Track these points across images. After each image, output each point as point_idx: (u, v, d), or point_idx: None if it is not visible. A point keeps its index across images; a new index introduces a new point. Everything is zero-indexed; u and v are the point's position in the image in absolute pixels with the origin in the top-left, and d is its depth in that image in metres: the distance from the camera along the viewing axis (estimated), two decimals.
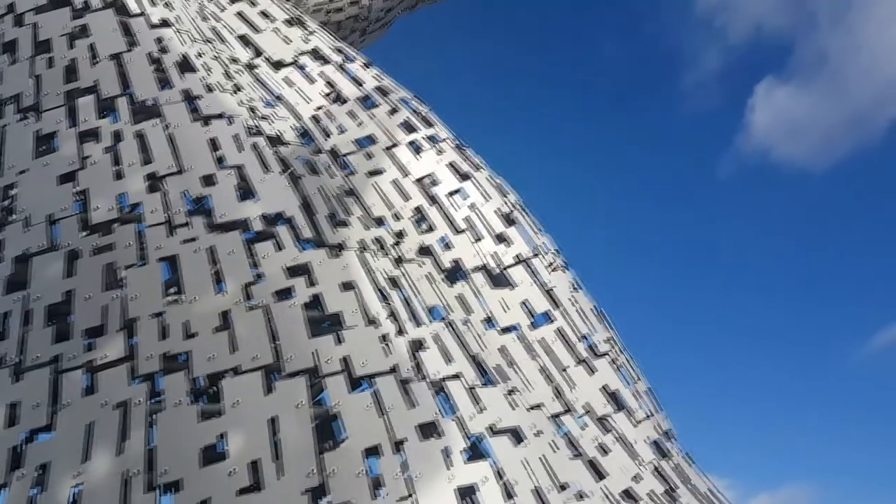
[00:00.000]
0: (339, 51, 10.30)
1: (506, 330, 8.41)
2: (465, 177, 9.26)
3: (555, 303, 8.87)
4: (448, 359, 7.34)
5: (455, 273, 8.85)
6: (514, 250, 9.01)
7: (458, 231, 8.88)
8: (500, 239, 9.05)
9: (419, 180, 9.11)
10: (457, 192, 9.16)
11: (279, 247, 7.30)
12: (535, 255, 9.12)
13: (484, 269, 8.93)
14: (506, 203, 9.30)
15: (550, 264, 9.18)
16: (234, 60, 9.77)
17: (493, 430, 6.95)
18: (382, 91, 9.77)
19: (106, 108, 8.38)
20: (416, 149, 9.32)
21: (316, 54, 10.16)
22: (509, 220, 9.23)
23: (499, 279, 8.98)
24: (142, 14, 9.31)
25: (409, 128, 9.49)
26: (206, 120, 8.24)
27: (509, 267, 8.99)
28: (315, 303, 7.13)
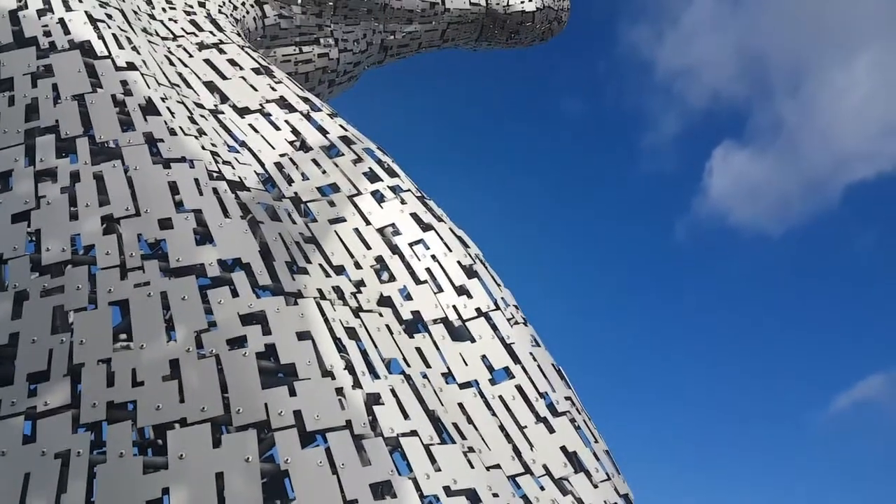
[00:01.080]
0: (306, 100, 10.38)
1: (465, 385, 8.26)
2: (427, 228, 9.25)
3: (515, 358, 8.75)
4: (405, 414, 7.18)
5: (415, 324, 8.74)
6: (474, 303, 8.94)
7: (418, 282, 8.81)
8: (461, 291, 8.98)
9: (381, 230, 9.07)
10: (419, 242, 9.11)
11: (234, 293, 7.17)
12: (496, 309, 9.04)
13: (444, 321, 8.81)
14: (467, 255, 9.29)
15: (511, 318, 9.12)
16: (200, 106, 9.76)
17: (450, 492, 6.76)
18: (347, 140, 9.82)
19: (65, 148, 8.26)
20: (379, 198, 9.31)
21: (282, 102, 10.21)
22: (470, 273, 9.20)
23: (459, 332, 8.89)
24: (108, 56, 9.30)
25: (372, 177, 9.50)
26: (167, 163, 8.17)
27: (470, 320, 8.90)
28: (269, 352, 6.97)
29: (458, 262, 9.18)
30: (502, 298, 9.36)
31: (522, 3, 20.42)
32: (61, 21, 9.56)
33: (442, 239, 9.26)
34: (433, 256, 9.07)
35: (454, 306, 8.82)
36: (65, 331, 7.03)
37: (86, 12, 9.84)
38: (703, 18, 68.33)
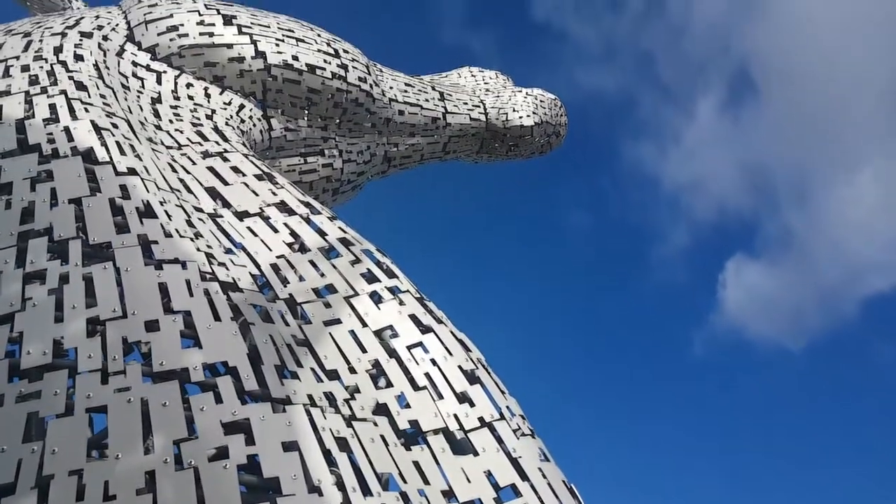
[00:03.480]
0: (307, 204, 10.35)
1: None
2: (426, 330, 8.87)
3: (522, 474, 8.05)
4: None
5: (412, 436, 8.17)
6: (477, 412, 8.38)
7: (417, 388, 8.31)
8: (463, 399, 8.45)
9: (378, 332, 8.69)
10: (417, 345, 8.70)
11: (218, 399, 6.73)
12: (501, 419, 8.45)
13: (444, 431, 8.21)
14: (469, 359, 8.84)
15: (517, 429, 8.51)
16: (199, 210, 9.73)
17: None
18: (346, 242, 9.67)
19: (57, 250, 8.12)
20: (376, 299, 9.00)
21: (282, 206, 10.18)
22: (473, 379, 8.70)
23: (460, 444, 8.26)
24: (110, 162, 9.38)
25: (370, 278, 9.24)
26: (160, 264, 7.99)
27: (472, 430, 8.30)
28: (252, 464, 6.43)
29: (460, 367, 8.72)
30: (507, 407, 8.80)
31: (521, 117, 21.07)
32: (66, 129, 9.74)
33: (442, 342, 8.86)
34: (433, 360, 8.62)
35: (455, 415, 8.26)
36: (39, 439, 6.58)
37: (91, 121, 10.05)
38: (704, 135, 70.82)
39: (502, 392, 9.00)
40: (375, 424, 7.84)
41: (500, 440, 8.30)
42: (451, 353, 8.81)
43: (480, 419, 8.29)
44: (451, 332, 9.20)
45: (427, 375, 8.50)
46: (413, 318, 8.98)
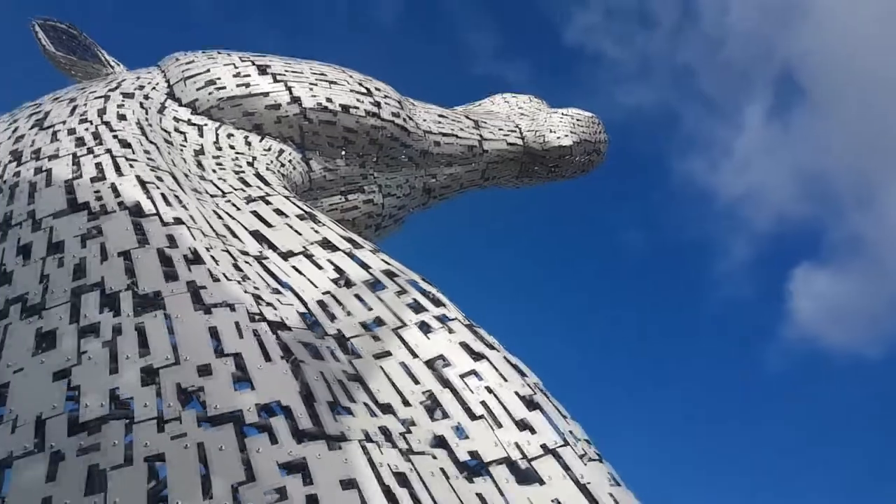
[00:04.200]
0: (349, 239, 10.34)
1: None
2: (479, 357, 8.63)
3: (592, 501, 7.66)
4: None
5: (474, 467, 7.88)
6: (539, 439, 8.04)
7: (474, 417, 8.06)
8: (523, 426, 8.14)
9: (430, 362, 8.51)
10: (471, 373, 8.46)
11: (273, 440, 6.63)
12: (565, 445, 8.08)
13: (507, 461, 7.90)
14: (525, 385, 8.56)
15: (583, 455, 8.13)
16: (245, 253, 9.80)
17: None
18: (390, 274, 9.58)
19: (109, 303, 8.24)
20: (425, 329, 8.82)
21: (325, 243, 10.19)
22: (531, 405, 8.39)
23: (525, 474, 7.92)
24: (156, 213, 9.56)
25: (417, 308, 9.09)
26: (209, 309, 8.02)
27: (536, 458, 7.97)
28: None
29: (517, 393, 8.44)
30: (570, 432, 8.43)
31: (559, 137, 20.84)
32: (112, 185, 10.00)
33: (496, 368, 8.61)
34: (488, 388, 8.36)
35: (517, 443, 7.96)
36: (100, 491, 6.58)
37: (136, 176, 10.31)
38: (755, 144, 69.09)
39: (564, 417, 8.67)
40: (434, 457, 7.60)
41: (566, 467, 7.93)
42: (506, 380, 8.55)
43: (543, 446, 7.97)
44: (505, 358, 8.94)
45: (483, 404, 8.24)
46: (464, 345, 8.78)
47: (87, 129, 11.84)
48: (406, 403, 7.98)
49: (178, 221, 9.55)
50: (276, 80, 15.26)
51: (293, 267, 9.70)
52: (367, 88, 16.13)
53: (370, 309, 9.04)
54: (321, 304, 8.98)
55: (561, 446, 7.98)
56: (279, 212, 11.20)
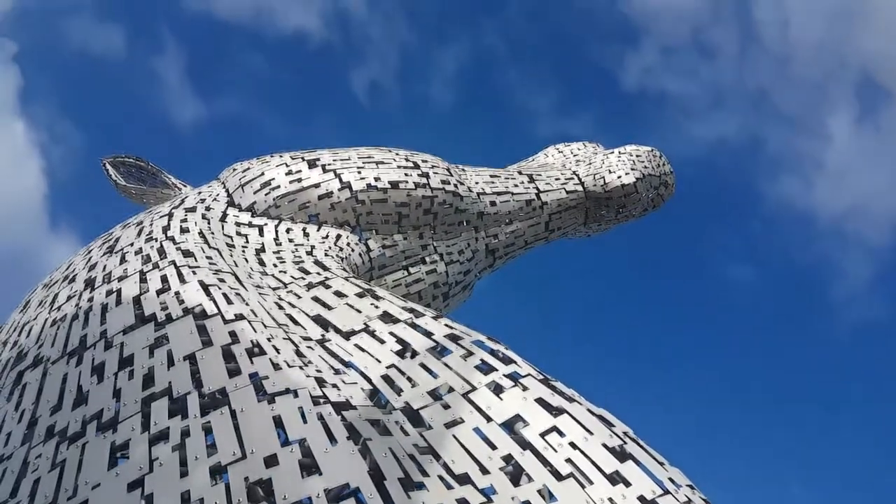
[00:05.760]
0: (409, 310, 10.10)
1: None
2: (558, 412, 8.03)
3: None
4: None
5: None
6: (635, 491, 7.31)
7: (560, 478, 7.41)
8: (616, 479, 7.43)
9: (506, 424, 7.97)
10: (551, 430, 7.86)
11: None
12: (665, 493, 7.34)
13: None
14: (613, 435, 7.87)
15: (687, 502, 7.37)
16: (307, 339, 9.71)
17: None
18: (454, 337, 9.21)
19: (177, 408, 8.24)
20: (496, 389, 8.33)
21: (386, 317, 9.98)
22: (623, 456, 7.68)
23: None
24: (218, 313, 9.65)
25: (486, 369, 8.62)
26: (272, 398, 7.88)
27: None
28: None
29: (604, 445, 7.75)
30: (670, 479, 7.65)
31: (619, 177, 20.31)
32: (176, 294, 10.22)
33: (578, 422, 7.97)
34: (572, 444, 7.73)
35: (610, 499, 7.25)
36: None
37: (199, 280, 10.52)
38: (848, 154, 65.39)
39: (661, 464, 7.88)
40: None
41: None
42: (591, 433, 7.88)
43: (641, 498, 7.22)
44: (588, 410, 8.29)
45: (569, 461, 7.59)
46: (541, 401, 8.20)
47: (152, 247, 12.33)
48: (484, 471, 7.43)
49: (240, 317, 9.59)
50: (325, 171, 15.64)
51: (355, 345, 9.50)
52: (413, 162, 16.28)
53: (436, 376, 8.65)
54: (386, 378, 8.68)
55: (661, 495, 7.23)
56: (338, 293, 11.14)
